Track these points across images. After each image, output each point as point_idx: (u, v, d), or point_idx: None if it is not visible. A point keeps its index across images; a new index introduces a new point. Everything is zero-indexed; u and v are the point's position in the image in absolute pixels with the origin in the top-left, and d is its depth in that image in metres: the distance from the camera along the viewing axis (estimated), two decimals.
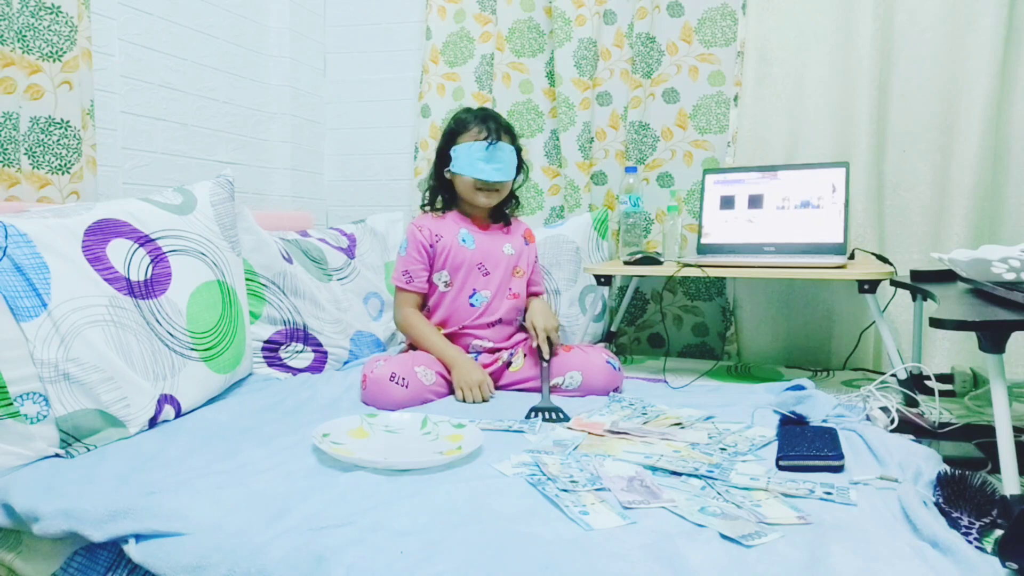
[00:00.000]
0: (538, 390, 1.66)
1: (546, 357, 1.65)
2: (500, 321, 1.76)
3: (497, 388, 1.69)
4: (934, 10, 1.99)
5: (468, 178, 1.71)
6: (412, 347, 1.77)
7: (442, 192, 1.81)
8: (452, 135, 1.75)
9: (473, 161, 1.69)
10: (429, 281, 1.75)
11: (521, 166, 1.81)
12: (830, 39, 2.07)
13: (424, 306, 1.78)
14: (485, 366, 1.69)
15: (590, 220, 2.25)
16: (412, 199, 2.56)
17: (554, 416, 1.43)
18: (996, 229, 1.99)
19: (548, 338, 1.67)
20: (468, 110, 1.79)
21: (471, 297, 1.73)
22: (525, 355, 1.72)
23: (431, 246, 1.73)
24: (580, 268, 2.18)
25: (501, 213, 1.84)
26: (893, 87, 2.05)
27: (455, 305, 1.74)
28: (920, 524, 0.89)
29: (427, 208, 1.82)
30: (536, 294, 1.86)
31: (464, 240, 1.75)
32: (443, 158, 1.76)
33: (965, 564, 0.81)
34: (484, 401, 1.58)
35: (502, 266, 1.76)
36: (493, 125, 1.70)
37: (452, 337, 1.74)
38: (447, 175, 1.76)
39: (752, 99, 2.14)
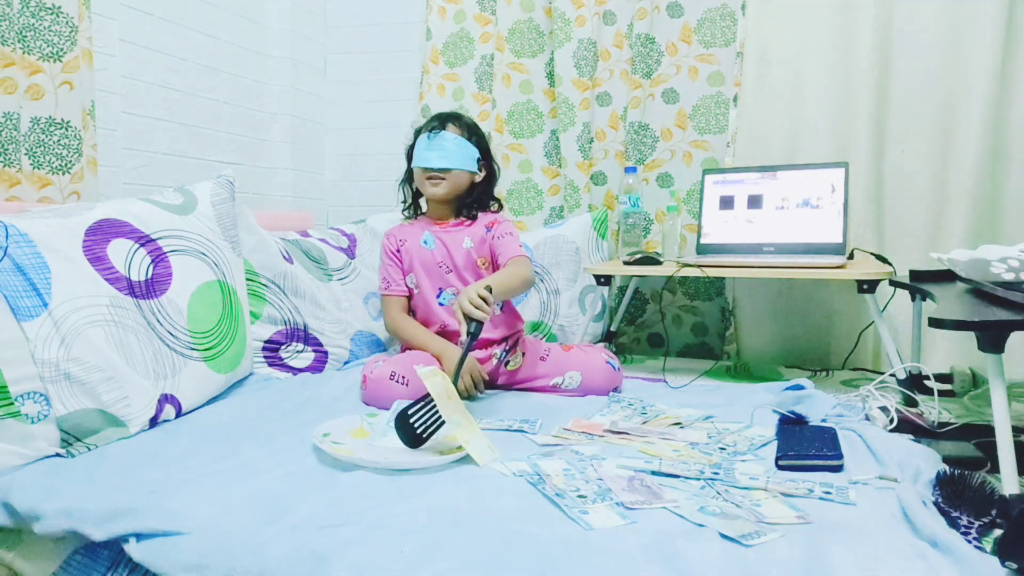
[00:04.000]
0: (539, 389, 1.66)
1: (463, 336, 1.37)
2: None
3: (495, 387, 1.70)
4: (933, 10, 1.99)
5: (416, 169, 1.77)
6: (409, 348, 1.77)
7: (414, 193, 1.87)
8: (415, 136, 1.82)
9: (419, 151, 1.75)
10: (407, 285, 1.79)
11: (490, 169, 1.81)
12: (829, 39, 2.07)
13: (410, 310, 1.81)
14: (479, 363, 1.70)
15: (590, 220, 2.26)
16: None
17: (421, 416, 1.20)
18: (995, 229, 1.99)
19: (470, 315, 1.38)
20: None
21: (439, 296, 1.75)
22: (524, 353, 1.72)
23: (397, 251, 1.79)
24: (580, 268, 2.19)
25: (465, 210, 1.82)
26: (892, 87, 2.05)
27: (427, 306, 1.76)
28: (919, 524, 0.90)
29: (407, 211, 1.89)
30: (513, 258, 1.70)
31: (425, 242, 1.78)
32: (410, 161, 1.84)
33: (964, 564, 0.81)
34: (476, 388, 1.59)
35: (463, 261, 1.76)
36: (441, 119, 1.77)
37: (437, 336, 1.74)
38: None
39: (751, 99, 2.15)
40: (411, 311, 1.80)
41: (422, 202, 1.88)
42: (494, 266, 1.77)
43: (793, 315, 2.19)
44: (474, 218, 1.81)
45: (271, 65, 2.47)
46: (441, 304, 1.75)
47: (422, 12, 2.56)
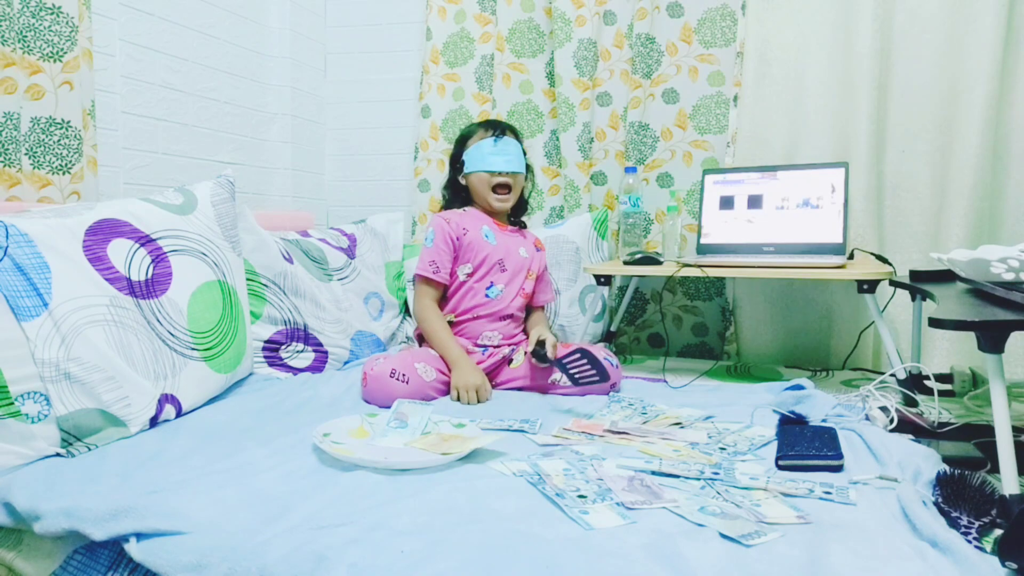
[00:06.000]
0: (539, 387, 1.67)
1: (550, 356, 1.60)
2: (511, 317, 1.79)
3: (495, 386, 1.70)
4: (934, 10, 1.99)
5: (483, 174, 1.79)
6: (413, 345, 1.78)
7: (458, 198, 1.89)
8: (463, 140, 1.86)
9: (484, 155, 1.78)
10: (452, 273, 1.79)
11: (528, 168, 1.89)
12: (829, 39, 2.07)
13: (442, 298, 1.80)
14: (481, 362, 1.70)
15: (590, 220, 2.26)
16: (412, 199, 2.56)
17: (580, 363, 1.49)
18: (995, 229, 1.99)
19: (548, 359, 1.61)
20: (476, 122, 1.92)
21: (488, 289, 1.77)
22: (525, 352, 1.72)
23: (458, 239, 1.78)
24: (580, 268, 2.19)
25: (516, 218, 1.91)
26: (893, 87, 2.05)
27: (473, 295, 1.77)
28: (919, 524, 0.90)
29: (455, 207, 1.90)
30: (544, 304, 1.91)
31: (487, 235, 1.80)
32: (456, 167, 1.86)
33: (964, 564, 0.81)
34: (479, 399, 1.59)
35: (518, 265, 1.82)
36: (499, 125, 1.83)
37: (464, 324, 1.75)
38: (462, 180, 1.86)
39: (752, 99, 2.15)
40: (444, 300, 1.81)
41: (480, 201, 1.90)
42: (535, 290, 1.87)
43: (793, 315, 2.19)
44: (522, 227, 1.91)
45: (271, 65, 2.47)
46: (488, 297, 1.77)
47: (422, 12, 2.56)
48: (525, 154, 1.86)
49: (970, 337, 1.08)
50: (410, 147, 2.63)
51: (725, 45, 2.23)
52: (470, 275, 1.77)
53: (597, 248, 2.25)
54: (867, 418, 1.38)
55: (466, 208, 1.86)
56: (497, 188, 1.80)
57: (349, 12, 2.68)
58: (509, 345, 1.77)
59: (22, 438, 1.11)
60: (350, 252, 2.06)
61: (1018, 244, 1.21)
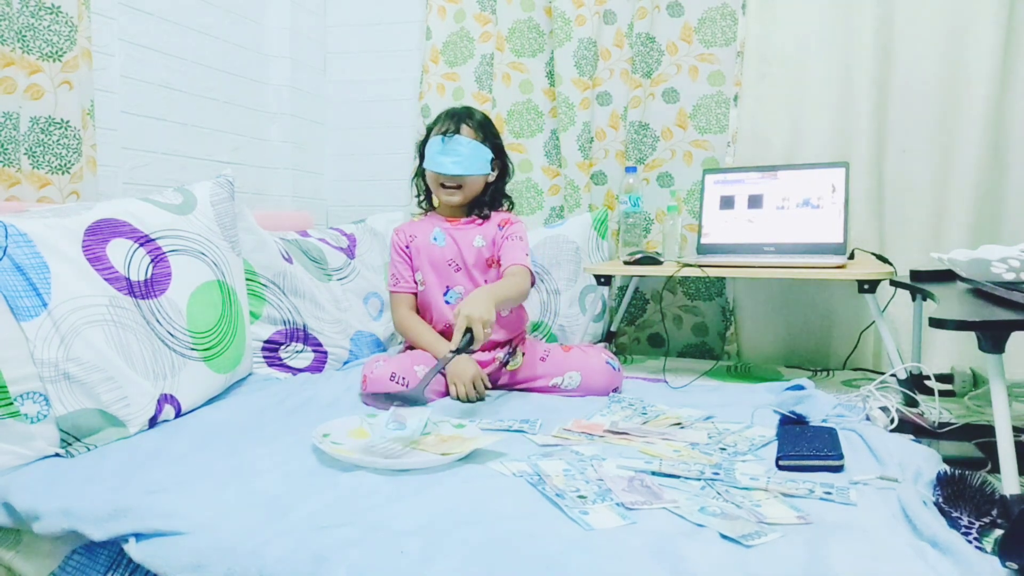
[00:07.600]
0: (539, 390, 1.66)
1: (453, 347, 1.41)
2: None
3: (496, 388, 1.69)
4: (934, 10, 1.99)
5: (431, 172, 1.73)
6: (411, 347, 1.77)
7: (427, 188, 1.82)
8: (427, 132, 1.78)
9: (432, 154, 1.71)
10: (415, 281, 1.77)
11: (503, 166, 1.79)
12: (830, 39, 2.07)
13: (418, 308, 1.79)
14: (481, 365, 1.69)
15: (590, 220, 2.25)
16: (412, 199, 2.56)
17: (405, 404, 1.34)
18: (996, 229, 1.99)
19: (470, 329, 1.40)
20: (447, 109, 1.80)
21: (445, 295, 1.74)
22: (523, 353, 1.72)
23: (407, 246, 1.78)
24: (580, 268, 2.18)
25: (478, 209, 1.79)
26: (893, 87, 2.05)
27: (434, 304, 1.74)
28: (920, 524, 0.89)
29: (423, 205, 1.86)
30: (509, 265, 1.67)
31: (435, 239, 1.75)
32: (422, 157, 1.79)
33: (965, 564, 0.81)
34: (479, 397, 1.57)
35: (473, 260, 1.74)
36: (455, 119, 1.71)
37: (441, 336, 1.73)
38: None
39: (752, 99, 2.15)
40: (418, 309, 1.79)
41: (434, 196, 1.83)
42: (500, 264, 1.74)
43: (793, 315, 2.19)
44: (487, 217, 1.78)
45: (271, 65, 2.47)
46: (447, 303, 1.74)
47: (422, 12, 2.56)
48: (499, 149, 1.76)
49: (970, 337, 1.07)
50: (410, 147, 2.63)
51: (725, 44, 2.23)
52: (423, 283, 1.75)
53: (597, 248, 2.25)
54: (867, 418, 1.38)
55: (427, 214, 1.83)
56: (444, 186, 1.72)
57: (349, 12, 2.68)
58: (501, 346, 1.74)
59: (21, 438, 1.11)
60: (350, 252, 2.06)
61: (1018, 244, 1.21)
